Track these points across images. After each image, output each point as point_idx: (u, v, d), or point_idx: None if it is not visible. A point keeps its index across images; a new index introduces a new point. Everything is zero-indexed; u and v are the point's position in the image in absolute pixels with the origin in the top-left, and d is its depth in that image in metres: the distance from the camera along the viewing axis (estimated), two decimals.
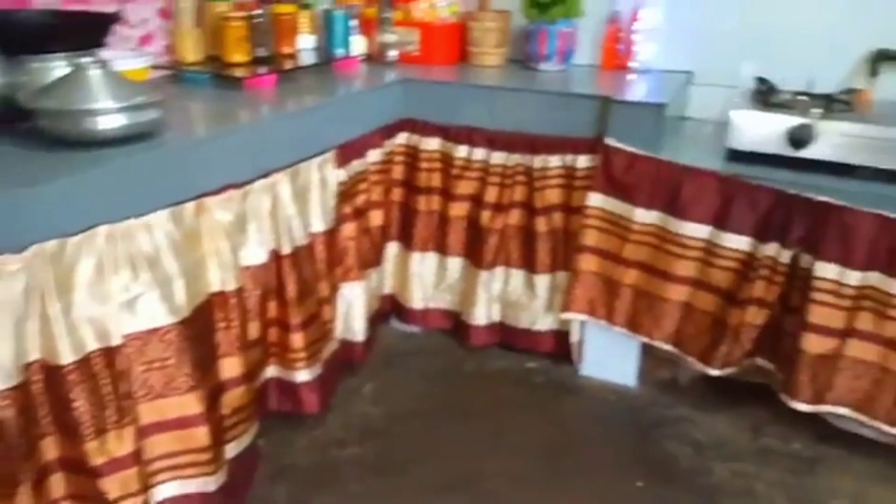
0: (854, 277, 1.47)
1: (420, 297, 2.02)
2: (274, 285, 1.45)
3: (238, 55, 1.73)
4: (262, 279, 1.39)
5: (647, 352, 1.88)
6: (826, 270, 1.48)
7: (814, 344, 1.53)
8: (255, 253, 1.36)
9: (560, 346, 1.95)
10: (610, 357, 1.90)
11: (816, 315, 1.50)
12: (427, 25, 2.06)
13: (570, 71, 2.04)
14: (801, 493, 1.56)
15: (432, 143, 1.89)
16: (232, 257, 1.29)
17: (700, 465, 1.64)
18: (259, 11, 1.77)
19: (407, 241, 1.99)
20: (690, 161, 1.63)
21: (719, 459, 1.65)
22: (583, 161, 1.74)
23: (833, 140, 1.52)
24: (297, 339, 1.50)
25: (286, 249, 1.44)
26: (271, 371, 1.57)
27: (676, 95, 1.85)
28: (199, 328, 1.24)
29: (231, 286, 1.30)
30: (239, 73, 1.70)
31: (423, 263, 1.98)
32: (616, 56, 2.05)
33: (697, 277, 1.65)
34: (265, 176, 1.38)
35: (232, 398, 1.35)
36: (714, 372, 1.67)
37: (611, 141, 1.66)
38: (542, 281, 1.89)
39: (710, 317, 1.66)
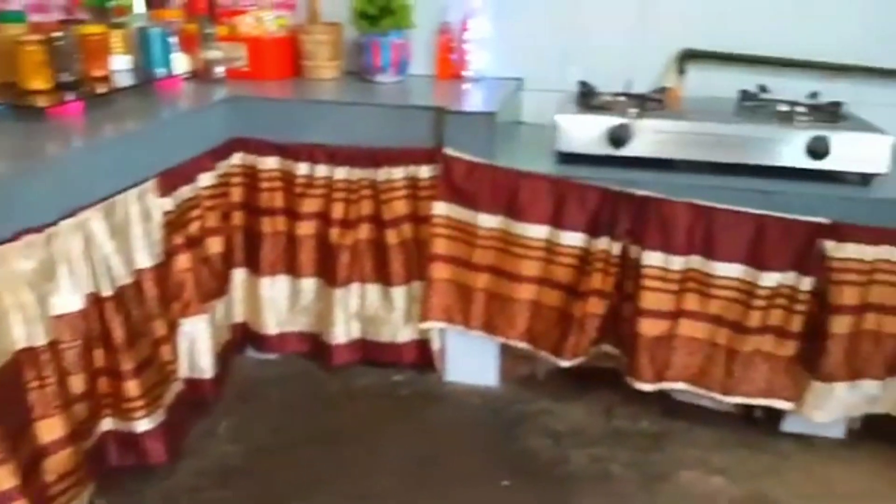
0: (677, 262, 1.59)
1: (274, 322, 1.95)
2: (98, 332, 1.32)
3: (37, 82, 1.57)
4: (81, 327, 1.26)
5: (506, 351, 1.93)
6: (652, 258, 1.59)
7: (649, 327, 1.63)
8: (69, 300, 1.23)
9: (423, 356, 1.95)
10: (471, 361, 1.93)
11: (648, 300, 1.61)
12: (255, 40, 1.98)
13: (406, 82, 2.05)
14: (652, 468, 1.66)
15: (270, 162, 1.82)
16: (39, 308, 1.16)
17: (559, 455, 1.70)
18: (60, 33, 1.61)
19: (254, 266, 1.90)
20: (525, 165, 1.68)
21: (577, 447, 1.72)
22: (425, 171, 1.75)
23: (649, 137, 1.63)
24: (132, 387, 1.38)
25: (107, 291, 1.32)
26: (107, 424, 1.43)
27: (508, 102, 1.91)
28: (5, 392, 1.10)
29: (41, 340, 1.16)
30: (40, 101, 1.54)
31: (274, 287, 1.91)
32: (450, 65, 2.09)
33: (542, 276, 1.71)
34: (73, 214, 1.25)
35: (56, 463, 1.21)
36: (565, 363, 1.74)
37: (449, 150, 1.68)
38: (399, 293, 1.88)
39: (557, 311, 1.73)
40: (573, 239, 1.65)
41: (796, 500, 1.57)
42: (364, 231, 1.83)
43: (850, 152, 1.53)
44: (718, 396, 1.68)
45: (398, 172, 1.76)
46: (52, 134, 1.43)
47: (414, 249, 1.84)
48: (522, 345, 1.80)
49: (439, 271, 1.79)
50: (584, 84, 1.87)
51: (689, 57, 1.95)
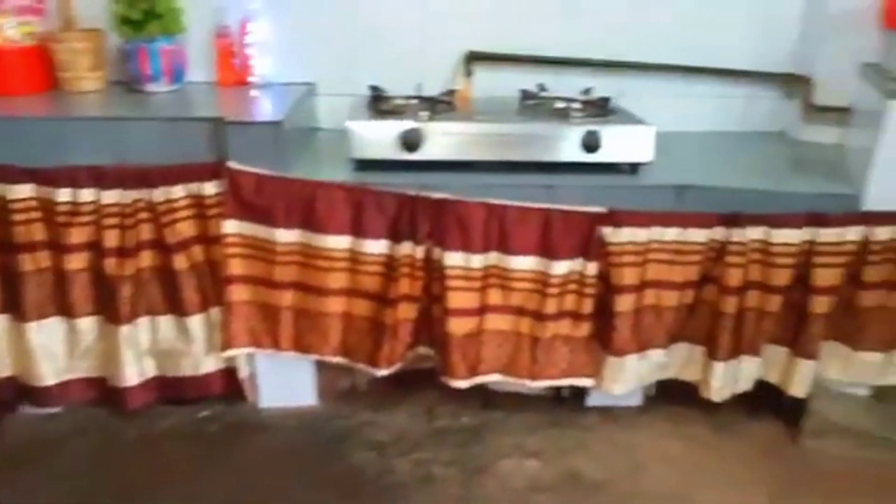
0: (477, 261, 1.62)
1: (51, 371, 1.70)
2: None
3: None
4: None
5: (322, 367, 1.86)
6: (454, 259, 1.61)
7: (458, 326, 1.66)
8: None
9: (232, 386, 1.82)
10: (286, 383, 1.84)
11: (454, 300, 1.63)
12: None
13: (184, 90, 1.88)
14: (473, 463, 1.69)
15: (23, 191, 1.58)
16: None
17: (384, 465, 1.67)
18: None
19: (16, 311, 1.64)
20: (321, 174, 1.62)
21: (401, 454, 1.71)
22: (210, 188, 1.62)
23: (440, 140, 1.64)
24: None
25: None
26: None
27: (299, 108, 1.83)
28: None
29: None
30: None
31: (45, 332, 1.66)
32: (233, 71, 1.96)
33: (349, 287, 1.66)
34: None
35: None
36: (383, 372, 1.71)
37: (233, 164, 1.57)
38: (196, 322, 1.72)
39: (369, 321, 1.69)
40: (376, 247, 1.62)
41: (603, 471, 1.68)
42: (147, 259, 1.65)
43: (618, 144, 1.66)
44: (528, 382, 1.75)
45: (178, 191, 1.61)
46: None
47: (207, 273, 1.69)
48: (337, 359, 1.74)
49: (238, 293, 1.67)
50: (374, 88, 1.84)
51: (474, 58, 2.01)
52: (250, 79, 1.96)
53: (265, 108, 1.76)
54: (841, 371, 1.75)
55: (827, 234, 1.59)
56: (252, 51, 1.94)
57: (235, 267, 1.65)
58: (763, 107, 2.13)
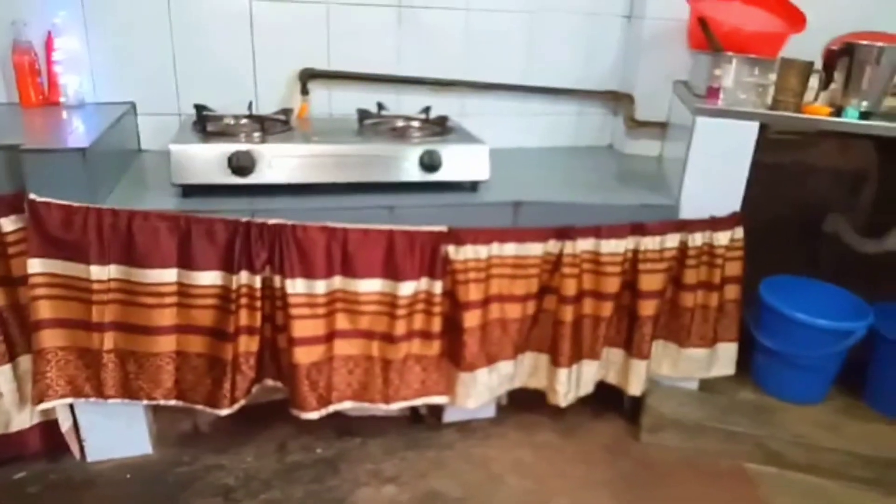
0: (321, 286, 1.56)
1: None
2: None
3: None
4: None
5: (158, 410, 1.71)
6: (296, 286, 1.54)
7: (305, 355, 1.59)
8: None
9: (53, 441, 1.62)
10: (116, 432, 1.67)
11: (299, 329, 1.56)
12: None
13: None
14: (328, 496, 1.62)
15: None
16: None
17: None
18: None
19: None
20: (141, 203, 1.49)
21: (249, 497, 1.61)
22: (9, 223, 1.43)
23: (275, 162, 1.57)
24: None
25: None
26: None
27: (115, 130, 1.68)
28: None
29: None
30: None
31: None
32: (38, 91, 1.76)
33: (181, 323, 1.54)
34: None
35: None
36: (225, 412, 1.60)
37: (34, 196, 1.40)
38: (3, 373, 1.52)
39: (206, 358, 1.58)
40: (208, 278, 1.51)
41: (461, 488, 1.68)
42: None
43: (457, 163, 1.68)
44: (383, 406, 1.71)
45: None
46: None
47: (12, 318, 1.50)
48: (173, 402, 1.61)
49: (50, 339, 1.49)
50: (200, 108, 1.73)
51: (310, 76, 1.95)
52: (60, 99, 1.77)
53: (73, 132, 1.59)
54: (672, 368, 1.88)
55: (649, 242, 1.71)
56: (60, 68, 1.75)
57: (44, 310, 1.47)
58: (592, 123, 2.26)
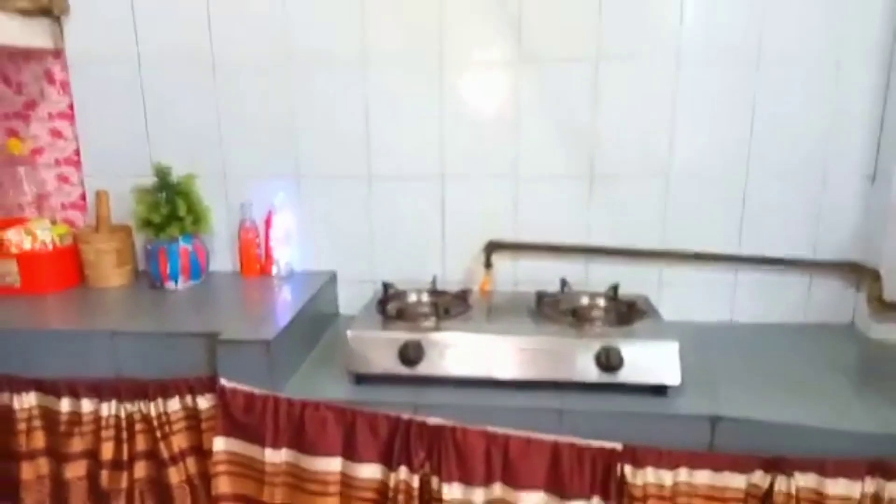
0: (479, 494, 1.45)
1: None
2: None
3: None
4: None
5: None
6: (453, 491, 1.45)
7: None
8: None
9: None
10: None
11: None
12: (27, 255, 1.79)
13: (203, 285, 1.90)
14: None
15: (28, 399, 1.59)
16: None
17: None
18: None
19: None
20: (316, 389, 1.54)
21: None
22: (204, 402, 1.57)
23: (443, 352, 1.53)
24: None
25: None
26: None
27: (317, 298, 1.80)
28: None
29: None
30: None
31: None
32: (256, 261, 1.97)
33: None
34: None
35: None
36: None
37: (224, 380, 1.52)
38: None
39: None
40: (369, 471, 1.49)
41: None
42: (141, 470, 1.60)
43: (640, 362, 1.48)
44: None
45: (174, 405, 1.57)
46: None
47: (201, 485, 1.62)
48: None
49: None
50: (386, 286, 1.78)
51: (495, 248, 1.92)
52: (273, 268, 1.97)
53: (275, 309, 1.73)
54: None
55: None
56: (275, 242, 1.95)
57: (224, 485, 1.56)
58: (826, 297, 1.89)
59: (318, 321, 1.85)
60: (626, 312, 1.64)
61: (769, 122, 1.80)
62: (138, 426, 1.59)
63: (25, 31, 1.76)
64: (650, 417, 1.43)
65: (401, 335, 1.55)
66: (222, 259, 2.01)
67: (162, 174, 1.82)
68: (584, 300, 1.75)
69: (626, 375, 1.48)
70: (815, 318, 1.91)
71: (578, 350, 1.50)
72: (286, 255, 1.97)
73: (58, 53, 1.89)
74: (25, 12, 1.74)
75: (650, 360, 1.49)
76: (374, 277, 1.98)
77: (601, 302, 1.74)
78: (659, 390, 1.50)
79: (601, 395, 1.48)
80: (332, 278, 1.99)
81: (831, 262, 1.85)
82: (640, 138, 1.84)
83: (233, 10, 1.84)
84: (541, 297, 1.74)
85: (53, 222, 1.94)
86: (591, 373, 1.49)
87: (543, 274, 1.89)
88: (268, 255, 1.97)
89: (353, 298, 1.98)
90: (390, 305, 1.72)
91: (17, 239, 1.78)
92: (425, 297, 1.79)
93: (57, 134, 1.95)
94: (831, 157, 1.81)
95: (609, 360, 1.48)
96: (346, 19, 1.83)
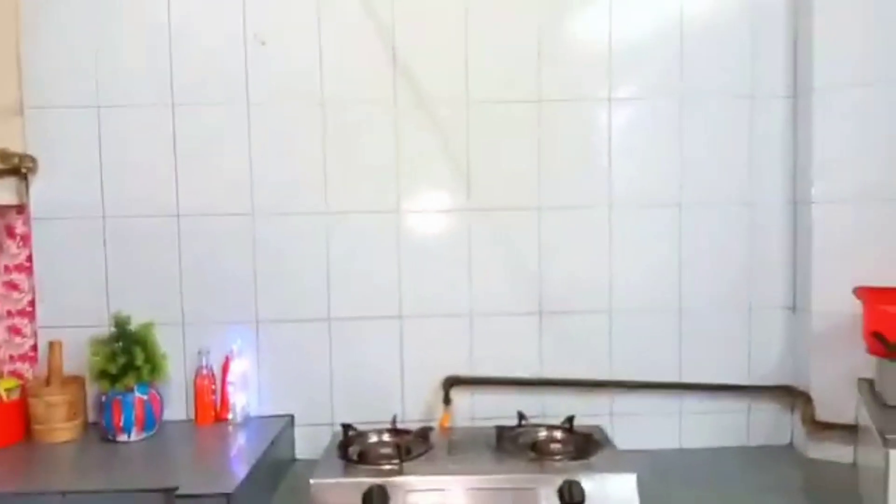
0: None
1: None
2: None
3: None
4: None
5: None
6: None
7: None
8: None
9: None
10: None
11: None
12: None
13: (155, 437, 1.85)
14: None
15: None
16: None
17: None
18: None
19: None
20: None
21: None
22: None
23: (408, 498, 1.53)
24: None
25: None
26: None
27: (274, 446, 1.78)
28: None
29: None
30: None
31: None
32: (212, 408, 1.95)
33: None
34: None
35: None
36: None
37: None
38: None
39: None
40: None
41: None
42: None
43: (601, 494, 1.52)
44: None
45: None
46: None
47: None
48: None
49: None
50: (346, 427, 1.79)
51: (453, 383, 1.98)
52: (229, 416, 1.95)
53: (239, 451, 1.73)
54: None
55: None
56: (232, 388, 1.95)
57: None
58: (765, 420, 2.02)
59: (275, 468, 1.82)
60: (584, 445, 1.70)
61: (695, 259, 1.99)
62: None
63: None
64: None
65: (364, 480, 1.55)
66: (177, 407, 1.98)
67: (121, 324, 1.83)
68: (542, 433, 1.80)
69: None
70: (757, 441, 2.02)
71: (541, 485, 1.54)
72: (242, 399, 1.96)
73: (21, 209, 1.94)
74: None
75: (610, 493, 1.53)
76: (333, 419, 1.98)
77: (558, 434, 1.79)
78: None
79: None
80: (290, 422, 1.98)
81: (766, 386, 1.99)
82: (582, 277, 2.00)
83: (199, 166, 1.96)
84: (500, 432, 1.78)
85: (0, 375, 1.89)
86: None
87: (500, 407, 1.94)
88: (223, 401, 1.96)
89: (309, 441, 1.97)
90: (351, 448, 1.72)
91: None
92: (386, 437, 1.80)
93: (12, 286, 1.95)
94: (755, 290, 2.00)
95: (572, 495, 1.51)
96: (310, 175, 1.97)
